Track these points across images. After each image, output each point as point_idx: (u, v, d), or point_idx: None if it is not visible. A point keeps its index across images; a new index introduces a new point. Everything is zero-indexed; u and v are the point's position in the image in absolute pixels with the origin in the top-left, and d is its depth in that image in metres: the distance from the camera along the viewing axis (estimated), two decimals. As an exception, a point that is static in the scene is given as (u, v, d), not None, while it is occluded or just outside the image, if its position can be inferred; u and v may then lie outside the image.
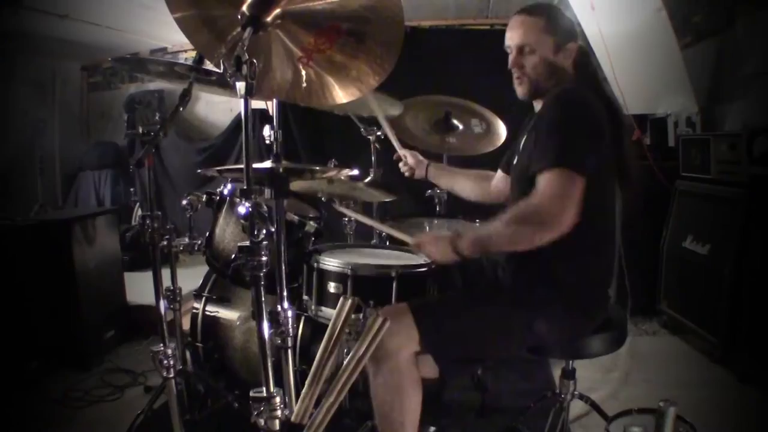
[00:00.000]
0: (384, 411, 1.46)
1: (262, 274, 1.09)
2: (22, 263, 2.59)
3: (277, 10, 1.18)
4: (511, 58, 1.66)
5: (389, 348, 1.41)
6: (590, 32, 3.25)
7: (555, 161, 1.40)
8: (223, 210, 2.12)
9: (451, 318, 1.50)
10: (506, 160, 1.96)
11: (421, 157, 2.21)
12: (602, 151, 1.47)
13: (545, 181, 1.40)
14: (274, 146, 1.45)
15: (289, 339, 1.29)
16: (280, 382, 1.20)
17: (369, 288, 1.63)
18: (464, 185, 2.14)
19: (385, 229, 1.75)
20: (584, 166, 1.40)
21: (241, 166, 1.09)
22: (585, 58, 1.69)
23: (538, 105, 1.71)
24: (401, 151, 2.22)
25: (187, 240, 2.12)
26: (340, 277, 1.66)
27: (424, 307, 1.52)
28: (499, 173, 2.02)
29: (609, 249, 1.60)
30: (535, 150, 1.49)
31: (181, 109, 1.52)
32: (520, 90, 1.68)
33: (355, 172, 2.04)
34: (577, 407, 2.07)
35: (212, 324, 2.23)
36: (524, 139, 1.73)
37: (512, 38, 1.64)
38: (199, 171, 1.91)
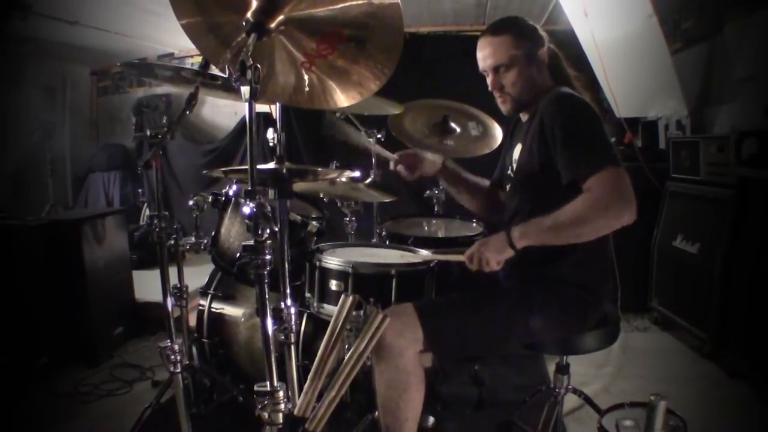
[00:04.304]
0: (389, 407, 1.48)
1: (265, 272, 1.10)
2: (33, 262, 2.63)
3: (281, 17, 1.20)
4: (489, 80, 1.66)
5: (395, 348, 1.43)
6: (583, 38, 3.30)
7: (597, 165, 1.38)
8: (229, 210, 2.16)
9: (454, 319, 1.51)
10: (498, 176, 1.94)
11: (429, 155, 1.96)
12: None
13: (597, 183, 1.38)
14: (278, 148, 1.46)
15: (292, 335, 1.34)
16: (283, 376, 1.24)
17: (369, 286, 1.63)
18: (471, 198, 2.03)
19: (438, 257, 1.72)
20: (618, 158, 1.42)
21: (246, 167, 1.11)
22: (555, 59, 1.70)
23: (524, 116, 1.74)
24: (395, 155, 1.98)
25: (193, 239, 2.14)
26: (341, 275, 1.67)
27: (429, 308, 1.52)
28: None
29: (606, 249, 1.59)
30: (563, 159, 1.44)
31: (187, 112, 1.53)
32: (504, 108, 1.70)
33: (357, 173, 2.07)
34: (571, 401, 2.12)
35: (218, 320, 2.26)
36: (518, 147, 1.72)
37: (485, 61, 1.64)
38: (204, 172, 1.92)
